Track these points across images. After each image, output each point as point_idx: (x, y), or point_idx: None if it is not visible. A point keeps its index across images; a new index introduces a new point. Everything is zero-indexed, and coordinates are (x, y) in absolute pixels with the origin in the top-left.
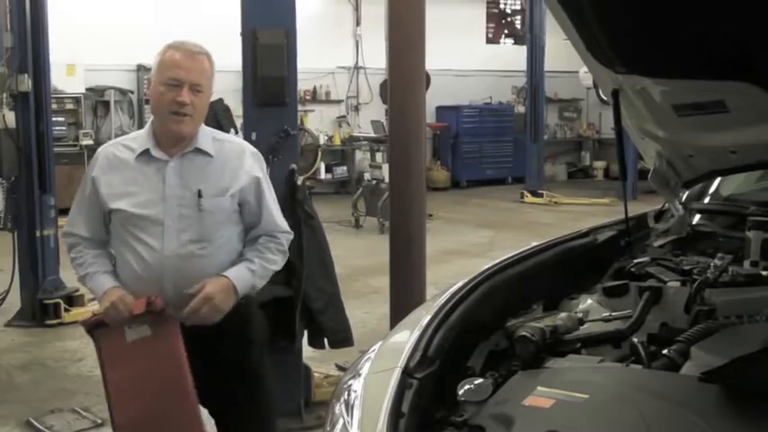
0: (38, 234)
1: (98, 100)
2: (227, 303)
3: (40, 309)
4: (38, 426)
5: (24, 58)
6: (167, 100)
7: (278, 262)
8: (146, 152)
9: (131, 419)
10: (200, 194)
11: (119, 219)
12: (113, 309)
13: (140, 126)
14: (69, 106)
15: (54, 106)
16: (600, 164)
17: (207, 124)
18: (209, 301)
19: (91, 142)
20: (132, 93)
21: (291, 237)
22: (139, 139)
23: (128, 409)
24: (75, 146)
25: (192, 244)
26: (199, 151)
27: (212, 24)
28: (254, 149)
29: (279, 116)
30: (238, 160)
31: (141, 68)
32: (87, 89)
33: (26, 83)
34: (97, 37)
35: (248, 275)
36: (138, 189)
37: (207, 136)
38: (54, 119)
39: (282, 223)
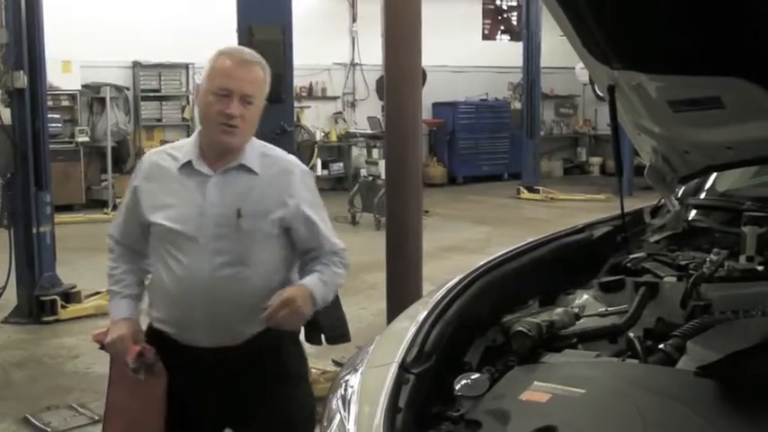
0: (34, 231)
1: (94, 97)
2: (307, 309)
3: (37, 305)
4: (35, 422)
5: (20, 54)
6: (215, 111)
7: (343, 276)
8: (188, 164)
9: None
10: (239, 214)
11: (156, 233)
12: (112, 346)
13: (137, 123)
14: (65, 103)
15: (50, 103)
16: (596, 160)
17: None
18: (292, 304)
19: (86, 139)
20: (128, 89)
21: (347, 252)
22: (185, 148)
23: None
24: (71, 143)
25: (227, 267)
26: (243, 168)
27: (209, 21)
28: (305, 168)
29: (275, 113)
30: (285, 182)
31: (137, 65)
32: (83, 86)
33: (21, 79)
34: (93, 33)
35: (321, 285)
36: (176, 202)
37: (255, 151)
38: (50, 116)
39: (338, 242)
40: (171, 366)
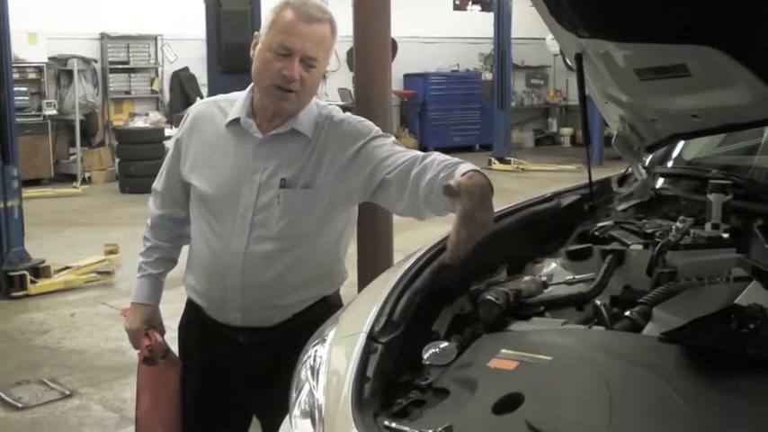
0: (1, 205)
1: (61, 69)
2: (489, 202)
3: (6, 281)
4: (5, 398)
5: None
6: (272, 70)
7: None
8: (237, 121)
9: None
10: (283, 184)
11: (194, 195)
12: (127, 332)
13: (105, 96)
14: (31, 76)
15: (16, 76)
16: (567, 130)
17: (173, 94)
18: (474, 215)
19: (54, 112)
20: (96, 61)
21: None
22: (237, 102)
23: (139, 407)
24: (39, 116)
25: (266, 242)
26: (295, 132)
27: None
28: (370, 134)
29: (243, 83)
30: (342, 149)
31: (105, 36)
32: (50, 58)
33: None
34: (59, 4)
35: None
36: (217, 163)
37: (311, 115)
38: (16, 89)
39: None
40: (202, 341)
